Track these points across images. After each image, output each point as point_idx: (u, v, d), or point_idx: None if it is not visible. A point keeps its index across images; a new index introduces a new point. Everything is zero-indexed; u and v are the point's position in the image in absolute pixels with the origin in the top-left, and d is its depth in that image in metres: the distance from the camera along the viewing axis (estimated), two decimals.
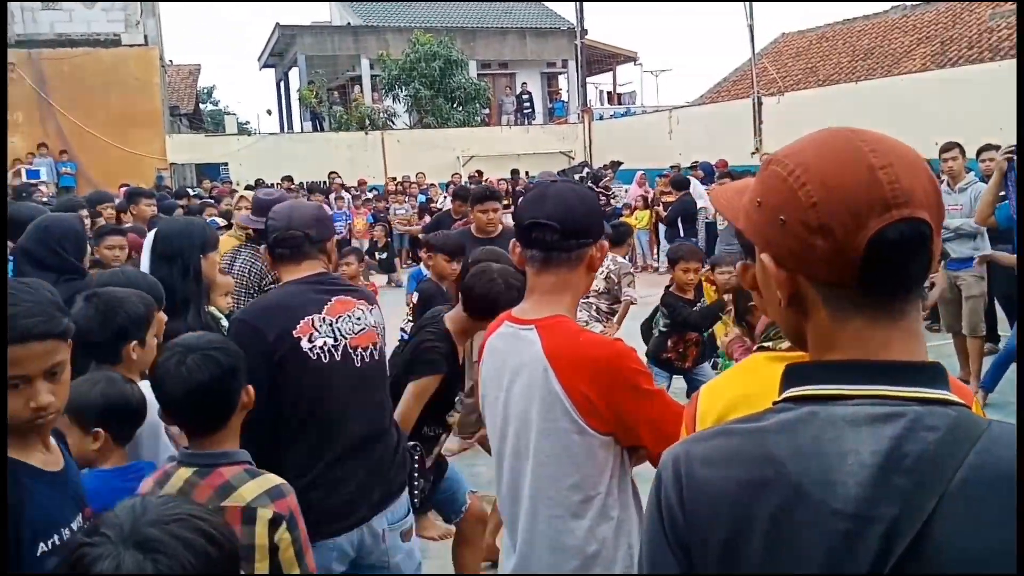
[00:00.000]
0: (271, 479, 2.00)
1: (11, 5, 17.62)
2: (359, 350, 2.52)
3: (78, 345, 2.48)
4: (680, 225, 11.86)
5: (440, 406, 3.17)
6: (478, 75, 26.06)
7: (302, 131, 26.60)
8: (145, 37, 18.63)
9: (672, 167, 15.98)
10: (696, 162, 15.53)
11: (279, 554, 1.95)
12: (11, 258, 4.04)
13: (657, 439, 1.75)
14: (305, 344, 2.44)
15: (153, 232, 3.74)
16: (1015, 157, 5.41)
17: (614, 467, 1.83)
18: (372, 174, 20.14)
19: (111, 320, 2.47)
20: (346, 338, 2.50)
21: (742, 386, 1.50)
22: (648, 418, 1.80)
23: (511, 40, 27.94)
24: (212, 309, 3.51)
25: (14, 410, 1.59)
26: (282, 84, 30.92)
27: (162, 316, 2.70)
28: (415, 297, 6.56)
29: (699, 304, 5.52)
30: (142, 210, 6.30)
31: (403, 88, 23.62)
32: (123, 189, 10.18)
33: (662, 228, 13.15)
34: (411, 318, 5.63)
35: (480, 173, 18.37)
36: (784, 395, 0.95)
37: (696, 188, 12.59)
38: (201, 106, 32.86)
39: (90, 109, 18.02)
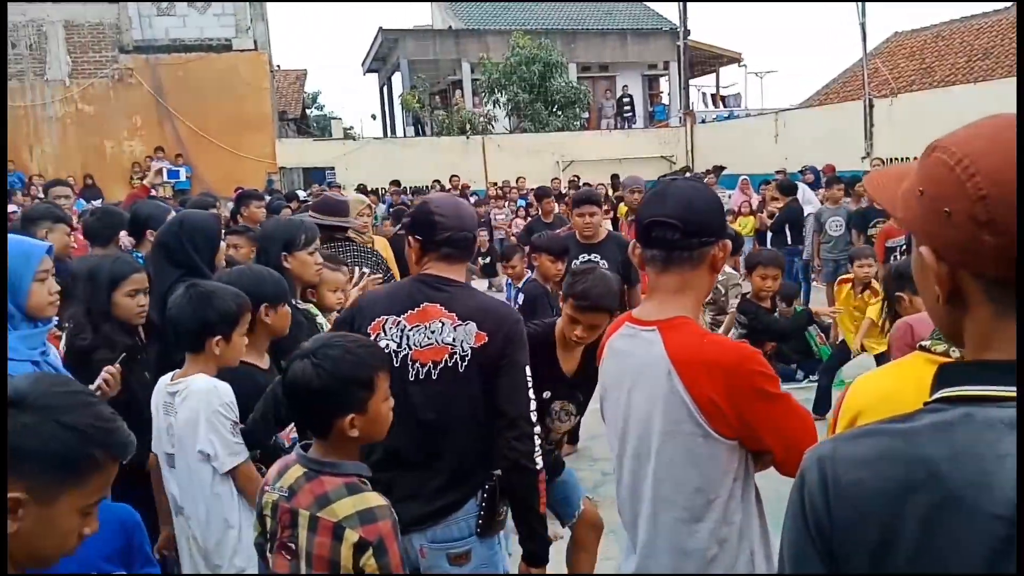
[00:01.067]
0: (368, 499, 1.91)
1: (130, 12, 18.45)
2: (417, 364, 2.40)
3: (171, 333, 2.69)
4: (787, 232, 11.37)
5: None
6: (578, 78, 25.85)
7: (404, 135, 27.01)
8: (255, 42, 19.20)
9: (777, 172, 15.43)
10: (806, 167, 14.92)
11: None
12: (136, 253, 4.31)
13: (783, 444, 1.77)
14: (389, 342, 2.45)
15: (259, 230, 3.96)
16: None
17: (738, 471, 1.82)
18: (473, 179, 20.24)
19: (199, 312, 2.59)
20: (411, 348, 2.41)
21: (890, 384, 1.50)
22: (775, 423, 1.78)
23: (611, 42, 27.62)
24: (308, 305, 3.52)
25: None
26: (385, 89, 31.46)
27: (285, 310, 2.91)
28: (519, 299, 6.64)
29: (775, 313, 5.32)
30: (253, 212, 6.38)
31: (502, 92, 23.64)
32: (237, 192, 10.43)
33: (767, 235, 12.66)
34: None
35: (578, 178, 18.19)
36: (936, 395, 0.92)
37: (805, 194, 12.06)
38: (307, 111, 33.84)
39: (204, 113, 18.70)
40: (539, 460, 2.37)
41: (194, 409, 2.56)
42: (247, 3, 18.98)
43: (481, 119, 23.73)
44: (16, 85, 18.17)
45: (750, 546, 1.84)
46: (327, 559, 1.88)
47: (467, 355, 2.39)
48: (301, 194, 14.65)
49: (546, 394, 3.16)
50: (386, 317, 2.45)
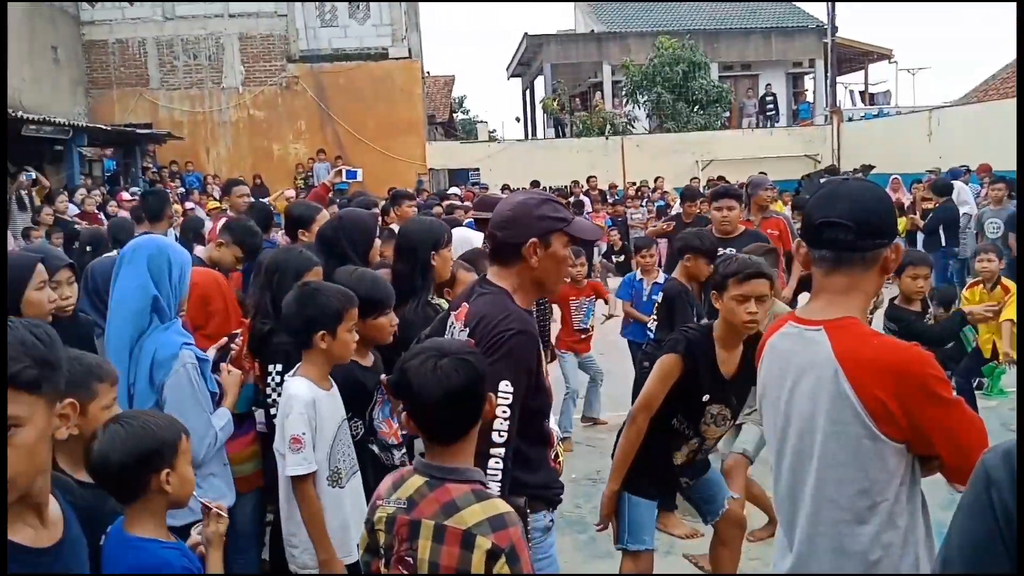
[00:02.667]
0: (497, 506, 1.88)
1: (298, 24, 19.87)
2: None
3: (285, 329, 2.85)
4: (942, 234, 11.03)
5: (692, 404, 3.17)
6: (719, 77, 25.62)
7: (544, 138, 27.56)
8: (409, 50, 20.24)
9: (929, 172, 14.85)
10: (964, 166, 14.33)
11: None
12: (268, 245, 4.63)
13: (954, 450, 1.72)
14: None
15: (398, 230, 4.20)
16: None
17: (904, 475, 1.78)
18: (611, 179, 20.53)
19: (303, 309, 2.74)
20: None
21: None
22: (946, 428, 1.73)
23: (755, 41, 27.20)
24: (440, 301, 3.63)
25: None
26: (528, 92, 32.15)
27: (387, 318, 3.05)
28: (620, 305, 6.64)
29: (927, 316, 4.89)
30: (404, 211, 6.55)
31: (645, 93, 23.75)
32: (390, 192, 11.18)
33: (918, 237, 12.28)
34: (655, 318, 5.65)
35: (721, 178, 18.09)
36: None
37: (960, 194, 11.63)
38: (454, 115, 35.03)
39: (361, 118, 19.88)
40: (495, 486, 2.12)
41: (281, 409, 2.77)
42: (403, 14, 20.01)
43: (622, 119, 23.94)
44: (196, 93, 19.94)
45: (915, 551, 1.80)
46: (455, 569, 1.82)
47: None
48: (457, 191, 15.35)
49: (705, 397, 3.16)
50: (452, 313, 2.55)
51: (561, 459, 2.68)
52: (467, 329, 2.34)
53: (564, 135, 25.47)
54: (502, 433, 2.17)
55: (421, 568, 1.86)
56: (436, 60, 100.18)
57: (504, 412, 2.17)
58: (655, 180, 19.21)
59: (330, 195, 5.96)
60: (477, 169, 23.07)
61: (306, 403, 2.69)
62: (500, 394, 2.16)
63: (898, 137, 19.53)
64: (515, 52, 30.55)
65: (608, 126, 23.74)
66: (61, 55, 18.51)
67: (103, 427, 2.01)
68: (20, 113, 13.32)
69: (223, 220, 5.15)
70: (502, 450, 2.17)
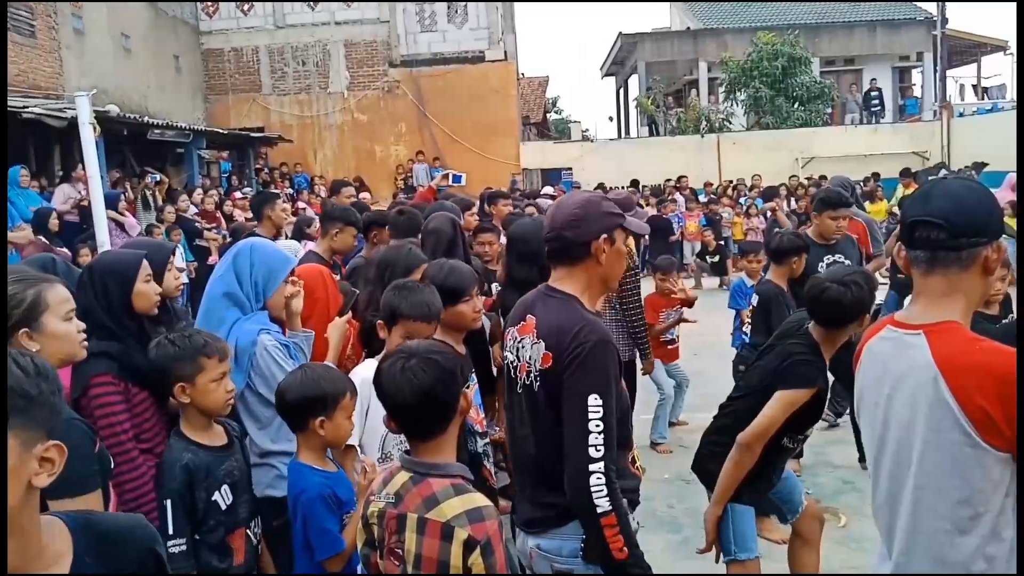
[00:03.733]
0: (475, 499, 1.96)
1: (399, 30, 20.51)
2: (521, 376, 2.38)
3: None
4: None
5: (804, 418, 3.11)
6: (821, 73, 25.00)
7: (638, 136, 27.47)
8: (505, 53, 20.61)
9: None
10: None
11: None
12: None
13: None
14: (506, 352, 2.50)
15: (510, 231, 4.42)
16: None
17: (1010, 486, 1.69)
18: (707, 177, 20.38)
19: (387, 308, 2.95)
20: (519, 360, 2.39)
21: None
22: None
23: (859, 34, 26.38)
24: None
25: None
26: (622, 91, 32.11)
27: (469, 304, 3.15)
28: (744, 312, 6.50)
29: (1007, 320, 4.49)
30: (500, 210, 6.69)
31: (742, 90, 23.42)
32: (487, 191, 11.52)
33: None
34: (749, 322, 5.72)
35: (823, 177, 17.73)
36: None
37: None
38: (548, 115, 35.27)
39: (458, 120, 20.37)
40: (603, 501, 2.13)
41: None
42: (499, 17, 20.39)
43: (718, 117, 23.68)
44: (304, 98, 20.83)
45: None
46: (436, 560, 1.90)
47: (538, 376, 2.30)
48: (551, 190, 15.57)
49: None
50: (509, 328, 2.49)
51: (639, 464, 2.65)
52: (541, 342, 2.28)
53: (658, 133, 25.32)
54: (598, 448, 2.15)
55: (408, 559, 1.95)
56: (531, 61, 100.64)
57: (597, 426, 2.16)
58: (752, 178, 18.98)
59: (435, 198, 6.27)
60: (570, 169, 23.20)
61: (362, 386, 2.70)
62: (590, 408, 2.16)
63: (1014, 132, 18.69)
64: (609, 51, 30.56)
65: (704, 123, 23.53)
66: (183, 63, 19.70)
67: (297, 368, 2.72)
68: (146, 118, 14.31)
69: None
70: (601, 464, 2.15)
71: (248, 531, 2.64)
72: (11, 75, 13.13)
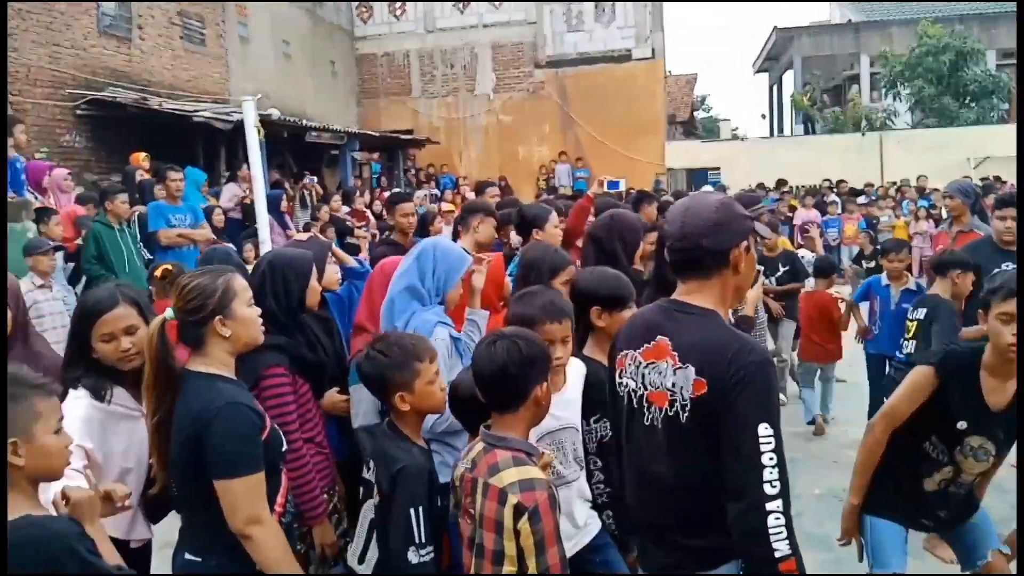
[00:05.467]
0: (530, 471, 2.17)
1: (546, 31, 20.52)
2: (654, 407, 2.11)
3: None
4: None
5: (946, 428, 2.86)
6: (997, 66, 23.09)
7: (792, 135, 26.37)
8: (652, 50, 20.21)
9: None
10: None
11: (520, 540, 2.11)
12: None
13: None
14: (618, 378, 2.27)
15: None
16: None
17: None
18: (867, 178, 19.24)
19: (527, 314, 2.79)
20: (647, 388, 2.13)
21: None
22: None
23: None
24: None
25: (61, 450, 1.92)
26: (775, 88, 30.93)
27: (631, 312, 2.94)
28: (865, 308, 6.32)
29: None
30: (648, 212, 6.59)
31: (905, 85, 22.01)
32: (634, 193, 11.28)
33: None
34: (912, 335, 5.27)
35: (998, 178, 16.34)
36: None
37: None
38: (695, 113, 34.49)
39: (602, 120, 20.16)
40: (783, 544, 1.89)
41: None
42: (647, 14, 20.02)
43: (880, 114, 22.36)
44: (451, 100, 21.23)
45: None
46: (493, 520, 2.14)
47: (687, 405, 2.02)
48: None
49: (961, 424, 2.84)
50: (626, 352, 2.22)
51: None
52: (688, 366, 2.02)
53: (814, 132, 24.24)
54: (774, 484, 1.90)
55: (476, 519, 2.19)
56: (678, 59, 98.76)
57: (771, 459, 1.90)
58: (918, 179, 17.74)
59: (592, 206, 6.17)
60: (718, 169, 22.62)
61: None
62: (762, 440, 1.91)
63: None
64: (763, 46, 29.49)
65: (864, 121, 22.28)
66: (338, 68, 20.53)
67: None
68: (304, 121, 14.97)
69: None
70: (778, 502, 1.89)
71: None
72: (183, 81, 14.07)
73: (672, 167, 21.73)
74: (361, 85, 21.59)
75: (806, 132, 24.91)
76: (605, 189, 6.47)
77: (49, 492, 2.01)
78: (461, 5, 20.87)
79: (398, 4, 21.22)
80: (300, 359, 2.97)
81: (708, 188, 19.04)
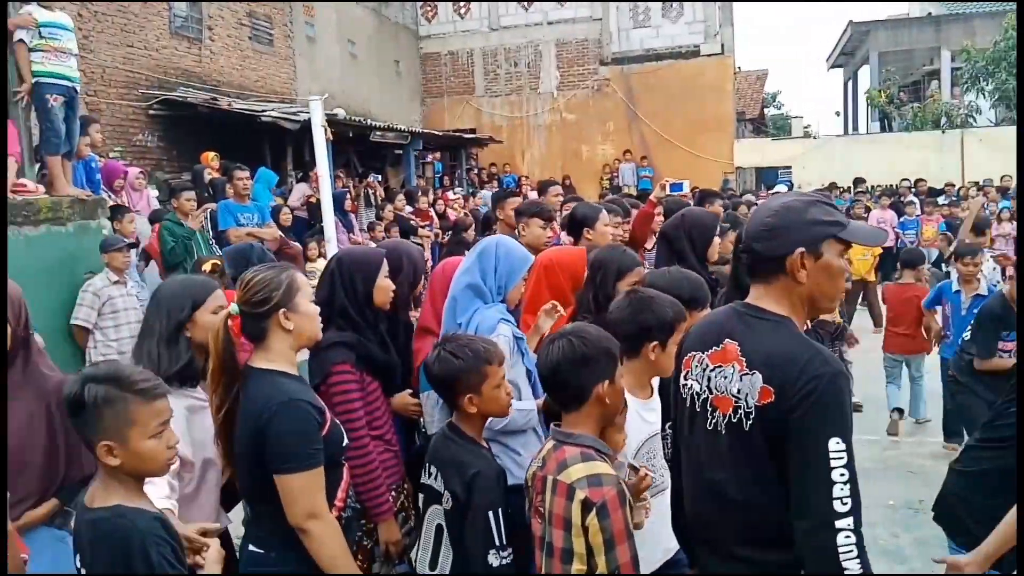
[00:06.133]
0: (598, 467, 2.13)
1: (611, 27, 20.23)
2: (717, 412, 2.03)
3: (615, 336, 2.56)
4: None
5: None
6: None
7: (867, 132, 25.56)
8: (722, 46, 19.76)
9: None
10: None
11: (589, 536, 2.07)
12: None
13: None
14: (682, 379, 2.16)
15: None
16: None
17: None
18: (947, 177, 18.47)
19: (636, 317, 2.64)
20: (712, 392, 2.05)
21: None
22: None
23: None
24: None
25: (160, 454, 1.92)
26: (850, 84, 30.05)
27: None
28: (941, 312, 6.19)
29: None
30: (715, 209, 6.43)
31: (988, 81, 21.07)
32: (697, 191, 10.98)
33: None
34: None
35: None
36: None
37: None
38: (765, 111, 33.75)
39: (669, 117, 19.79)
40: (853, 564, 1.79)
41: None
42: (717, 9, 19.57)
43: (961, 111, 21.47)
44: (515, 99, 21.12)
45: None
46: (562, 517, 2.11)
47: (752, 413, 1.93)
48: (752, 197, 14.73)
49: None
50: (694, 353, 2.12)
51: None
52: (756, 373, 1.92)
53: (890, 129, 23.42)
54: (844, 501, 1.81)
55: (547, 516, 2.17)
56: (748, 54, 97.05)
57: (842, 475, 1.81)
58: (1001, 179, 16.92)
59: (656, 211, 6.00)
60: (788, 167, 22.07)
61: None
62: (832, 455, 1.81)
63: None
64: (837, 41, 28.64)
65: (944, 118, 21.41)
66: (403, 68, 20.59)
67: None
68: (369, 121, 15.01)
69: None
70: (849, 520, 1.80)
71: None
72: (251, 81, 14.22)
73: (741, 166, 21.24)
74: (425, 84, 21.62)
75: (882, 130, 24.12)
76: (668, 192, 6.30)
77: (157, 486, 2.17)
78: (526, 3, 20.72)
79: (463, 3, 21.18)
80: (369, 357, 3.01)
81: (780, 188, 18.55)
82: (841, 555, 1.78)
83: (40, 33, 6.03)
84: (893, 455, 6.02)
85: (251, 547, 2.38)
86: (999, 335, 4.73)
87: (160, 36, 12.18)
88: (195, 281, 2.86)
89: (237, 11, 13.97)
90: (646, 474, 2.41)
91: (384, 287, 3.12)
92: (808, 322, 4.17)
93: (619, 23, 20.24)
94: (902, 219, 14.61)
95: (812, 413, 1.83)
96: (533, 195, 8.52)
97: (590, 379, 2.20)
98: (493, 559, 2.38)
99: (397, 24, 20.37)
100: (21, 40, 5.98)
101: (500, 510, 2.41)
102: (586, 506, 2.06)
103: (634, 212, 5.98)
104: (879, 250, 10.12)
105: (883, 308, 7.64)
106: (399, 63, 20.39)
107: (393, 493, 3.05)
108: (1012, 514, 2.57)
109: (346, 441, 2.51)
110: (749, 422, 1.93)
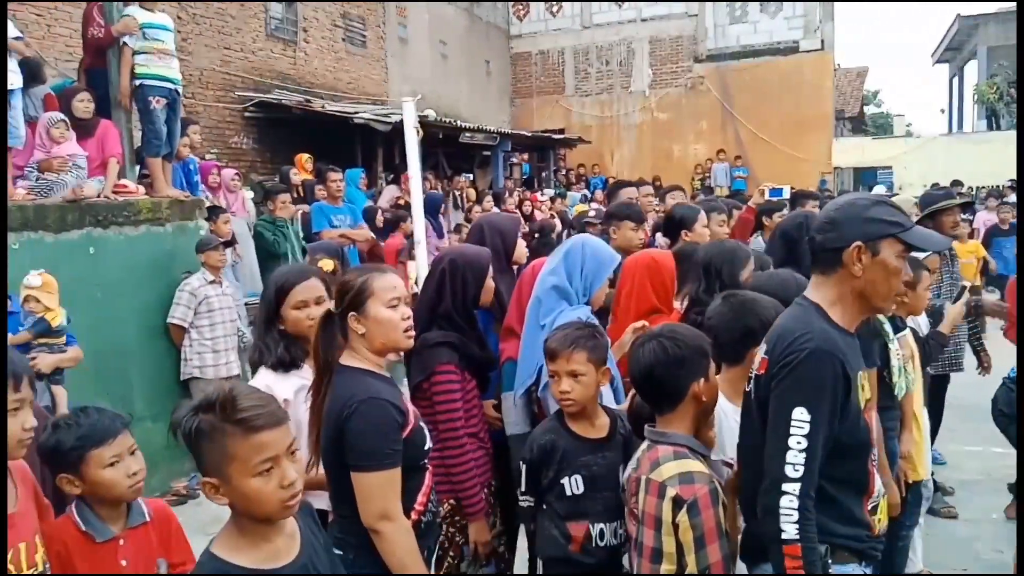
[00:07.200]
0: (690, 464, 2.14)
1: (707, 23, 19.71)
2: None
3: (712, 342, 2.49)
4: None
5: None
6: None
7: (974, 131, 24.30)
8: (821, 42, 18.99)
9: None
10: None
11: (679, 534, 2.08)
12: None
13: None
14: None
15: None
16: None
17: None
18: None
19: (739, 321, 2.53)
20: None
21: None
22: None
23: None
24: None
25: (268, 495, 1.62)
26: (955, 80, 28.64)
27: None
28: None
29: None
30: (810, 210, 6.35)
31: None
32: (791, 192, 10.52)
33: None
34: None
35: None
36: None
37: None
38: (865, 109, 32.48)
39: (765, 116, 19.14)
40: (790, 527, 1.90)
41: None
42: (818, 4, 18.82)
43: None
44: (605, 98, 20.80)
45: None
46: (654, 516, 2.12)
47: (753, 382, 2.13)
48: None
49: None
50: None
51: (880, 516, 2.23)
52: (764, 345, 2.12)
53: (999, 127, 22.19)
54: (797, 467, 1.92)
55: (640, 516, 2.17)
56: (848, 49, 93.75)
57: (799, 443, 1.92)
58: None
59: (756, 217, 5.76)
60: (889, 168, 21.21)
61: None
62: (794, 422, 1.94)
63: None
64: (943, 35, 27.32)
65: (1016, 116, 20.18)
66: (493, 68, 20.55)
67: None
68: (459, 122, 14.98)
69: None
70: (796, 485, 1.92)
71: (592, 526, 2.58)
72: (343, 83, 14.36)
73: (839, 166, 20.47)
74: (514, 84, 21.52)
75: (990, 128, 22.93)
76: (767, 197, 6.06)
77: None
78: (620, 1, 20.39)
79: (555, 2, 21.00)
80: (470, 356, 3.06)
81: (880, 188, 17.75)
82: (782, 516, 1.91)
83: (144, 35, 6.12)
84: (997, 466, 5.64)
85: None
86: None
87: (256, 38, 12.39)
88: (290, 270, 2.95)
89: (331, 12, 14.12)
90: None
91: (490, 288, 3.19)
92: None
93: (715, 19, 19.69)
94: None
95: (785, 382, 1.97)
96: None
97: (686, 379, 2.22)
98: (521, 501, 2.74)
99: (489, 24, 20.33)
100: (125, 43, 6.09)
101: (526, 467, 2.69)
102: (677, 503, 2.08)
103: (735, 212, 5.79)
104: (982, 252, 9.43)
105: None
106: (489, 63, 20.35)
107: (484, 491, 3.07)
108: None
109: (428, 444, 2.48)
110: (753, 392, 2.12)
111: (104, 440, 2.18)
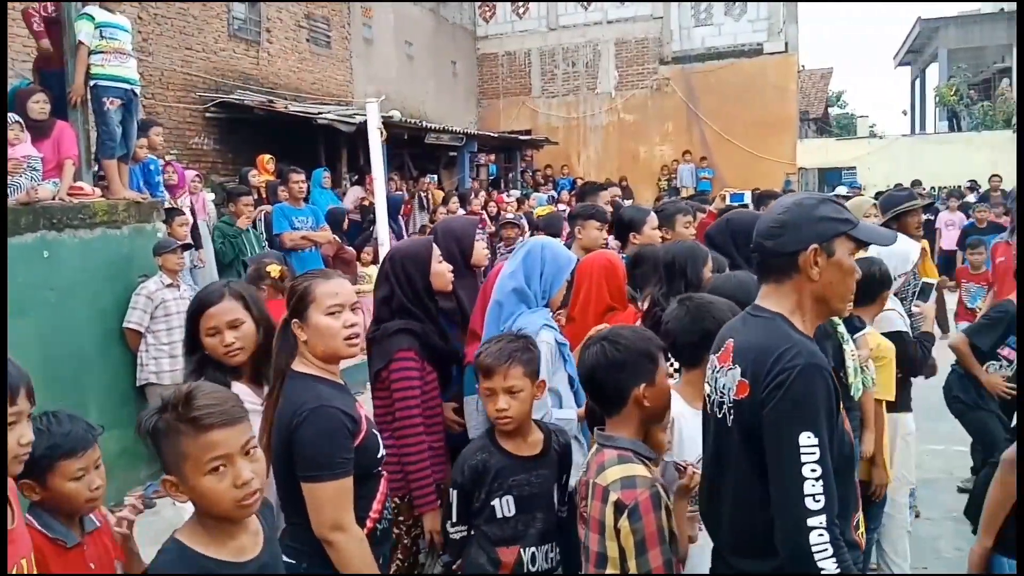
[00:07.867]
0: (633, 469, 2.11)
1: (672, 25, 19.83)
2: (715, 410, 2.05)
3: (668, 346, 2.51)
4: None
5: None
6: None
7: (935, 132, 24.74)
8: (785, 44, 19.19)
9: None
10: None
11: (620, 539, 2.06)
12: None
13: None
14: (705, 386, 2.15)
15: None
16: None
17: None
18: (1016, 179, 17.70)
19: (696, 324, 2.50)
20: (716, 392, 2.04)
21: None
22: None
23: None
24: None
25: (221, 493, 1.66)
26: (917, 82, 29.14)
27: None
28: None
29: None
30: (731, 215, 6.44)
31: None
32: (755, 192, 10.62)
33: None
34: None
35: None
36: None
37: None
38: (830, 110, 32.88)
39: (730, 117, 19.30)
40: (828, 563, 1.75)
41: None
42: (782, 6, 19.01)
43: None
44: (572, 99, 20.85)
45: None
46: (598, 520, 2.10)
47: (732, 407, 1.94)
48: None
49: None
50: (710, 356, 2.13)
51: (861, 530, 2.21)
52: (736, 367, 1.93)
53: (959, 129, 22.62)
54: (817, 498, 1.76)
55: (588, 520, 2.16)
56: (812, 52, 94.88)
57: (813, 471, 1.77)
58: None
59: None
60: (853, 168, 21.50)
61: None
62: (803, 449, 1.77)
63: None
64: (905, 38, 27.79)
65: (1015, 117, 20.65)
66: (459, 69, 20.49)
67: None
68: (424, 122, 14.91)
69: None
70: (821, 517, 1.76)
71: (523, 551, 2.53)
72: (307, 84, 14.23)
73: (804, 166, 20.68)
74: (481, 85, 21.49)
75: (951, 129, 23.36)
76: (728, 203, 6.12)
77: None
78: (585, 3, 20.44)
79: (521, 3, 20.99)
80: (432, 347, 3.08)
81: (842, 189, 17.97)
82: (816, 555, 1.75)
83: (101, 34, 6.00)
84: (959, 465, 5.71)
85: (284, 558, 2.27)
86: (1006, 338, 4.62)
87: (219, 38, 12.23)
88: (205, 291, 2.77)
89: (295, 13, 13.98)
90: (693, 472, 2.29)
91: (440, 272, 3.20)
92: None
93: (680, 21, 19.81)
94: (969, 220, 14.17)
95: (782, 406, 1.81)
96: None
97: (627, 382, 2.18)
98: (452, 532, 2.62)
99: (455, 25, 20.27)
100: (81, 42, 5.96)
101: (457, 493, 2.59)
102: (618, 508, 2.05)
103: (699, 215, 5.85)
104: (925, 243, 9.61)
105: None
106: (455, 64, 20.29)
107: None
108: (998, 470, 2.58)
109: (382, 452, 2.44)
110: (730, 417, 1.95)
111: (75, 452, 2.13)
